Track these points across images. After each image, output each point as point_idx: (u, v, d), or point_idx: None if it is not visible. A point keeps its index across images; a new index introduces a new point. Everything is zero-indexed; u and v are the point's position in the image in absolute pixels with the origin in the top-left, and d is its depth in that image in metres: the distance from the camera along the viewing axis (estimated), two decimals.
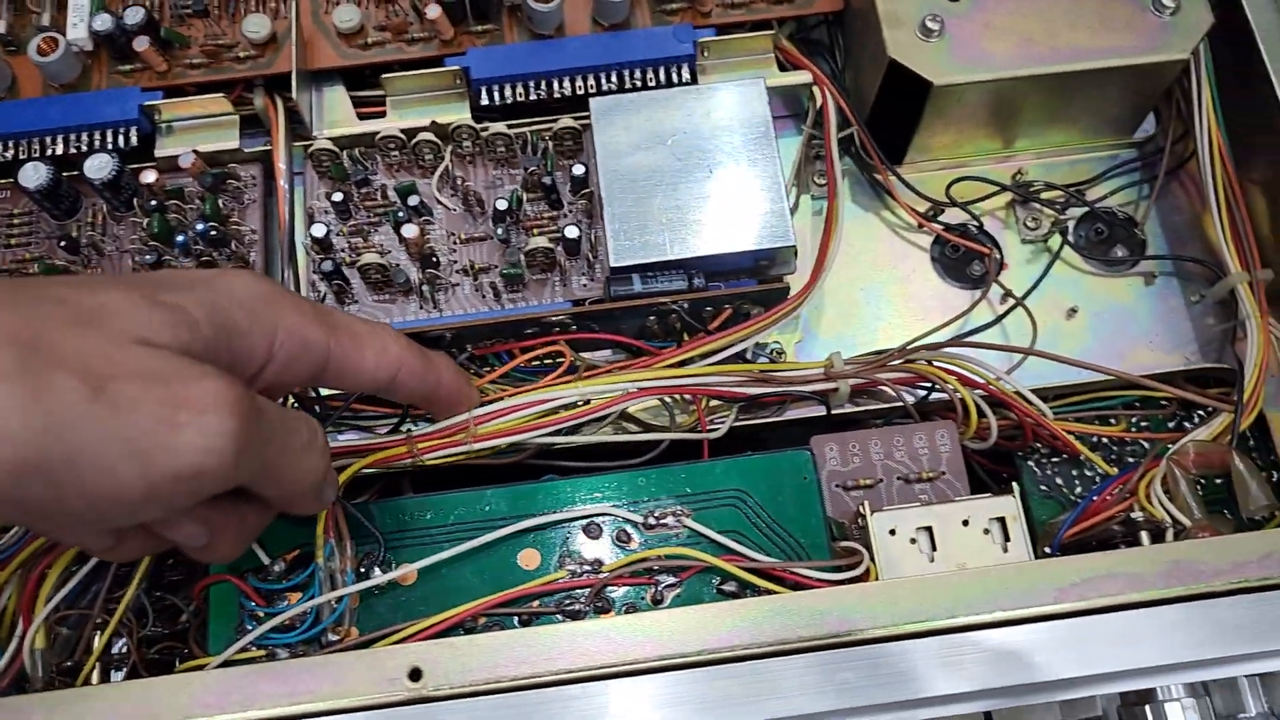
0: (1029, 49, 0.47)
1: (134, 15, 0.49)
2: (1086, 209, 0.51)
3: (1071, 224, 0.51)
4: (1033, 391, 0.47)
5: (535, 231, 0.49)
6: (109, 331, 0.29)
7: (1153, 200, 0.52)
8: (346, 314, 0.40)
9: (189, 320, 0.31)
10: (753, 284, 0.47)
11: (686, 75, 0.50)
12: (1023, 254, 0.51)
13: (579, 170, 0.48)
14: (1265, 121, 0.47)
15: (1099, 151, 0.53)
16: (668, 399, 0.47)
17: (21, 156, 0.49)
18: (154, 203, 0.49)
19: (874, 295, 0.51)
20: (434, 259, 0.48)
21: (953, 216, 0.52)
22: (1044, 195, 0.51)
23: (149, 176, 0.48)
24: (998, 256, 0.51)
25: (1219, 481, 0.46)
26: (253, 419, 0.31)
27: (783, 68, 0.52)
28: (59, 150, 0.49)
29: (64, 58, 0.49)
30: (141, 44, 0.49)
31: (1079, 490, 0.47)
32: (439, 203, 0.49)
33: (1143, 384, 0.46)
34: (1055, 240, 0.51)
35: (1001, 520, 0.41)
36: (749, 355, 0.48)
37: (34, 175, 0.47)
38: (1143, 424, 0.49)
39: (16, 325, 0.28)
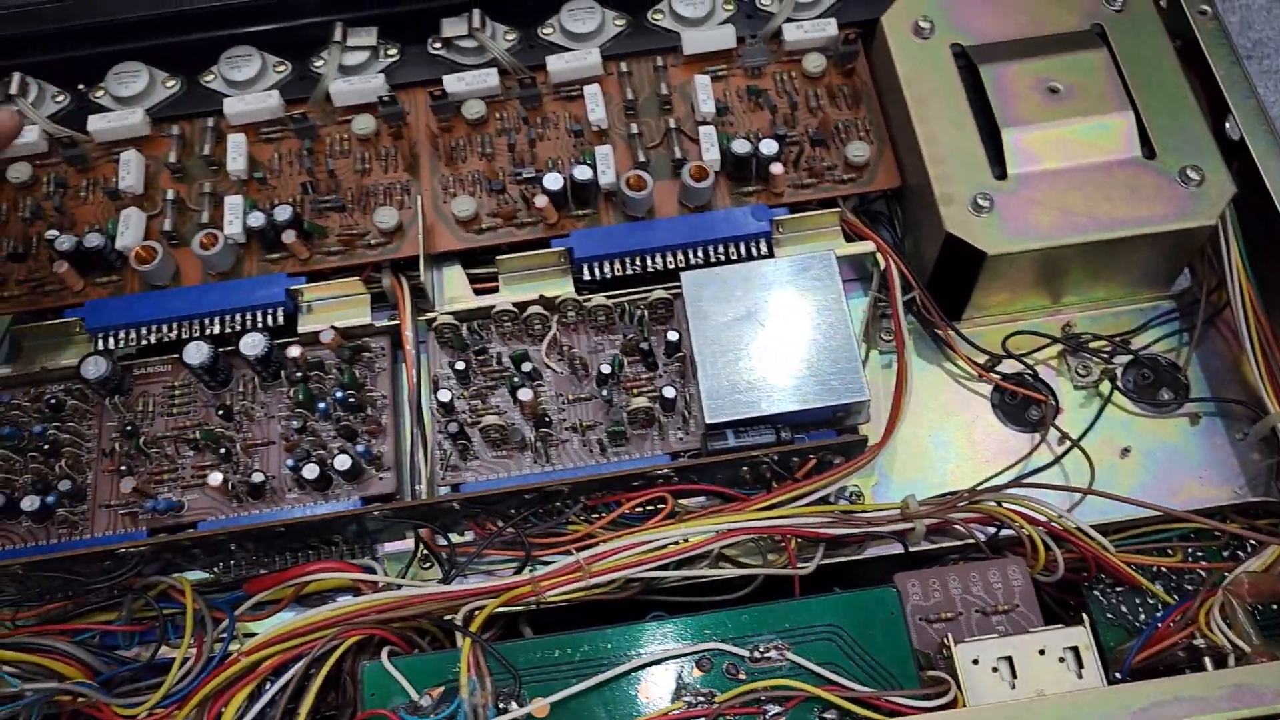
0: (1070, 220, 0.53)
1: (283, 213, 0.56)
2: (1132, 356, 0.57)
3: (1119, 370, 0.57)
4: (1094, 526, 0.51)
5: (635, 392, 0.55)
6: None
7: (1193, 347, 0.57)
8: None
9: None
10: (833, 435, 0.52)
11: (764, 249, 0.57)
12: (1076, 399, 0.57)
13: (673, 336, 0.54)
14: None
15: (1140, 303, 0.58)
16: (760, 539, 0.52)
17: (184, 336, 0.56)
18: (299, 374, 0.55)
19: (941, 440, 0.56)
20: (546, 419, 0.54)
21: (1009, 366, 0.57)
22: (1092, 345, 0.56)
23: (294, 351, 0.55)
24: (1053, 402, 0.56)
25: (1276, 608, 0.49)
26: None
27: (849, 238, 0.58)
28: (215, 329, 0.56)
29: (222, 250, 0.56)
30: (289, 237, 0.56)
31: (1142, 617, 0.51)
32: (548, 367, 0.56)
33: (1193, 520, 0.50)
34: (1105, 386, 0.56)
35: (1075, 649, 0.45)
36: (831, 498, 0.53)
37: (197, 354, 0.54)
38: (1198, 554, 0.53)
39: None
